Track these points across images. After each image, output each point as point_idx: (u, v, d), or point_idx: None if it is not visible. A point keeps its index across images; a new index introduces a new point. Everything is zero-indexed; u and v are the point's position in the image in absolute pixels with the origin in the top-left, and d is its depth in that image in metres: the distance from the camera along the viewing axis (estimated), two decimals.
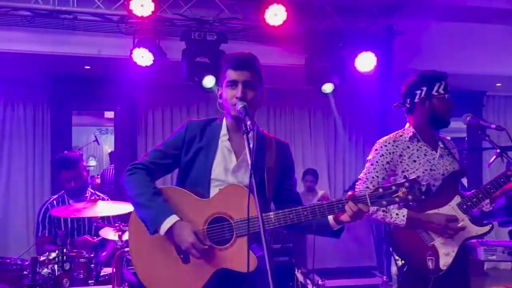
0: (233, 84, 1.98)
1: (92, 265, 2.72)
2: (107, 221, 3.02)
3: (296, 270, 3.79)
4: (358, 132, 6.70)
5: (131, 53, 4.35)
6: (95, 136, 8.34)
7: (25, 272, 2.60)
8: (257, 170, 2.02)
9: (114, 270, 2.55)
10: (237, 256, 1.87)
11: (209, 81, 4.64)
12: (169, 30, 4.56)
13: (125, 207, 2.73)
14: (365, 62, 4.70)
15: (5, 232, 5.43)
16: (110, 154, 7.94)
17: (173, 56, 4.61)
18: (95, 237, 3.23)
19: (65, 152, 3.60)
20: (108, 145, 10.15)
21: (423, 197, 1.78)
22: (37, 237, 3.33)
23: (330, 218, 1.91)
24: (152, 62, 4.39)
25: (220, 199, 1.94)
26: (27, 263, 2.64)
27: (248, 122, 1.81)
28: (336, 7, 4.62)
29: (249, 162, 1.76)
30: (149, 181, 2.00)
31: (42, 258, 2.61)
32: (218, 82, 2.11)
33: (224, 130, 2.07)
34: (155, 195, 1.94)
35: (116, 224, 2.68)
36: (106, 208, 2.85)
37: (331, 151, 6.70)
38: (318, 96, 5.16)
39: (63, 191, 3.43)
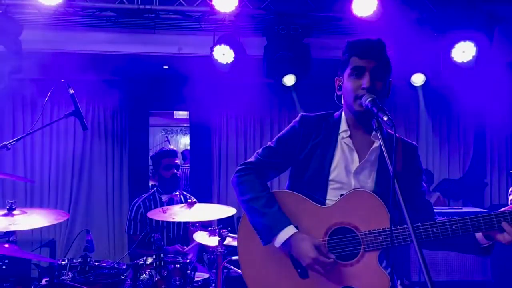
0: (359, 72, 1.73)
1: (188, 271, 2.59)
2: (201, 224, 2.91)
3: (397, 281, 3.44)
4: (443, 129, 6.18)
5: (212, 50, 4.24)
6: (166, 137, 8.44)
7: (122, 277, 2.52)
8: (383, 174, 1.77)
9: (214, 277, 2.39)
10: (366, 274, 1.64)
11: (289, 80, 4.44)
12: (250, 26, 4.39)
13: (225, 211, 2.57)
14: (463, 52, 4.27)
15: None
16: (184, 153, 7.98)
17: (253, 53, 4.46)
18: (185, 247, 3.19)
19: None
20: (173, 145, 10.29)
21: None
22: (129, 234, 3.37)
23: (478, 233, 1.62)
24: (232, 59, 4.26)
25: (344, 207, 1.70)
26: (124, 267, 2.56)
27: (385, 118, 1.55)
28: None
29: (389, 165, 1.51)
30: (262, 184, 1.81)
31: (139, 263, 2.52)
32: (338, 71, 1.87)
33: (343, 126, 1.83)
34: (270, 201, 1.75)
35: (214, 228, 2.53)
36: (204, 211, 2.71)
37: None
38: (405, 92, 4.78)
39: (153, 189, 3.43)
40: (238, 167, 1.87)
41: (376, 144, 1.78)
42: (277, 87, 4.92)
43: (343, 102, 1.87)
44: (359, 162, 1.77)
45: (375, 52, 1.75)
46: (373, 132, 1.78)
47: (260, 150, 1.90)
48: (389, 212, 1.61)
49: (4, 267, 2.59)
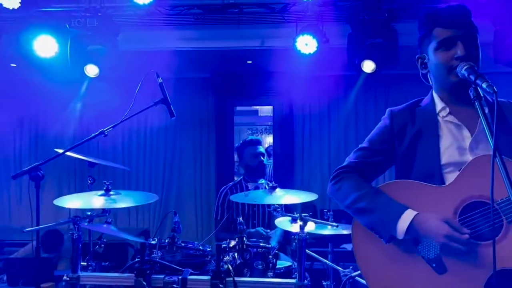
0: (447, 43, 1.58)
1: (270, 256, 2.58)
2: (284, 210, 2.90)
3: None
4: None
5: (294, 41, 4.22)
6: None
7: (207, 258, 2.59)
8: (502, 141, 1.54)
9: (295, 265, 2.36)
10: None
11: (367, 66, 4.25)
12: (333, 15, 4.30)
13: (307, 196, 2.54)
14: None
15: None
16: (267, 149, 8.05)
17: (337, 42, 4.36)
18: (268, 230, 3.18)
19: None
20: None
21: None
22: (216, 220, 3.51)
23: None
24: (316, 49, 4.20)
25: (468, 180, 1.50)
26: (209, 249, 2.63)
27: (485, 84, 1.39)
28: None
29: (488, 136, 1.35)
30: (364, 182, 1.70)
31: (223, 245, 2.56)
32: (419, 49, 1.74)
33: (439, 104, 1.67)
34: (377, 194, 1.63)
35: (296, 215, 2.50)
36: (285, 195, 2.70)
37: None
38: (504, 79, 4.34)
39: (240, 178, 3.50)
40: (332, 175, 1.78)
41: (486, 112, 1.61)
42: (362, 79, 4.76)
43: (431, 81, 1.73)
44: (471, 135, 1.61)
45: (461, 18, 1.59)
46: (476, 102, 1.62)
47: (351, 154, 1.79)
48: None
49: (102, 245, 2.79)
